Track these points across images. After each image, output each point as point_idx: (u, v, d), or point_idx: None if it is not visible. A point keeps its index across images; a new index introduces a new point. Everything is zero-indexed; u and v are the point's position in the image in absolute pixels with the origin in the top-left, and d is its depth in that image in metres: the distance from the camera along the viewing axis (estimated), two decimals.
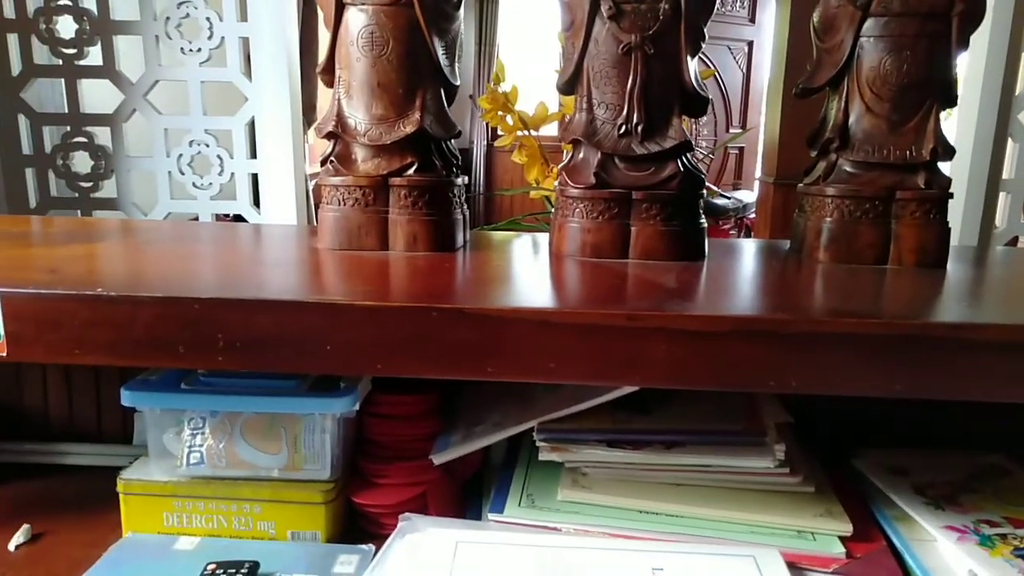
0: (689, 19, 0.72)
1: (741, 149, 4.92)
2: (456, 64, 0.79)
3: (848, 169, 0.75)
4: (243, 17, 1.40)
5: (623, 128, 0.73)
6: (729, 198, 3.96)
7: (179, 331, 0.56)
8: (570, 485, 0.65)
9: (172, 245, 0.84)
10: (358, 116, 0.75)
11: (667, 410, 0.68)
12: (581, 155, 0.75)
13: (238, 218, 1.62)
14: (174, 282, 0.64)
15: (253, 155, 1.48)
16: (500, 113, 1.56)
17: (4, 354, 0.58)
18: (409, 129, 0.74)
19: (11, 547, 0.68)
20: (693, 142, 0.74)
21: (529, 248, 0.86)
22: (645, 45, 0.71)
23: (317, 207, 1.83)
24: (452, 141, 0.79)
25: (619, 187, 0.73)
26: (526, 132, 1.55)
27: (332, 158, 0.76)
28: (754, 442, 0.63)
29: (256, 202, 1.51)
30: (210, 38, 1.40)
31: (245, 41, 1.41)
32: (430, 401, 0.75)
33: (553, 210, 0.79)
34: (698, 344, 0.53)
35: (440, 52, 0.75)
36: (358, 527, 0.71)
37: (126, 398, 0.66)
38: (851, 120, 0.75)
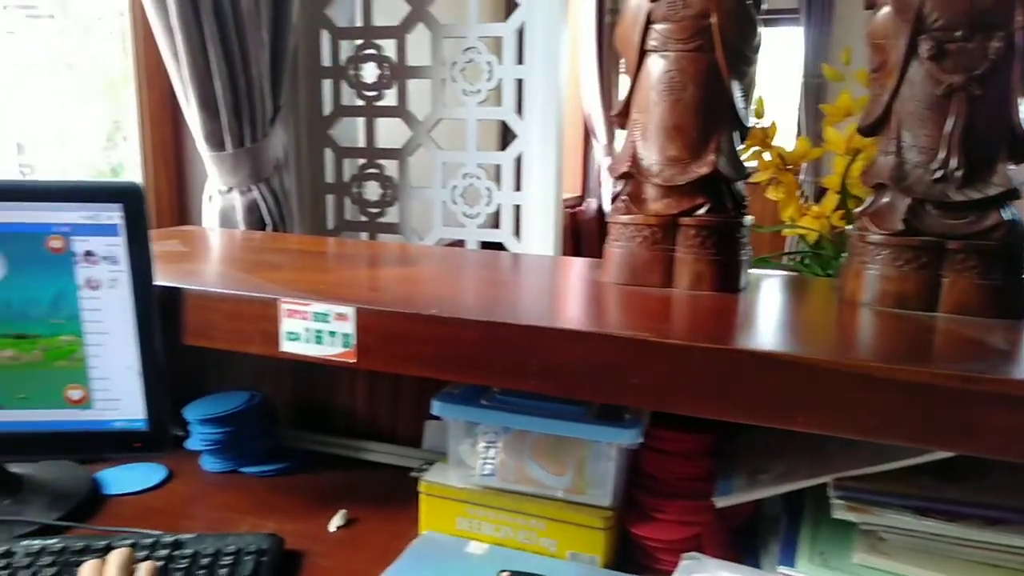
0: None
1: None
2: (750, 106, 0.80)
3: None
4: (520, 60, 1.51)
5: (938, 173, 0.68)
6: None
7: (497, 353, 0.62)
8: (867, 549, 0.61)
9: (476, 272, 0.93)
10: (652, 157, 0.78)
11: (982, 480, 0.62)
12: (886, 199, 0.72)
13: (495, 246, 1.73)
14: (489, 307, 0.71)
15: (517, 188, 1.58)
16: (757, 148, 1.52)
17: (354, 361, 0.67)
18: (703, 171, 0.75)
19: (331, 528, 0.79)
20: None
21: (815, 293, 0.84)
22: (970, 86, 0.67)
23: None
24: (742, 182, 0.79)
25: (931, 235, 0.68)
26: (783, 168, 1.51)
27: (624, 197, 0.80)
28: None
29: (517, 231, 1.62)
30: (489, 79, 1.52)
31: (518, 82, 1.52)
32: (707, 441, 0.75)
33: (847, 255, 0.76)
34: None
35: (737, 95, 0.76)
36: (632, 556, 0.73)
37: (436, 408, 0.74)
38: None
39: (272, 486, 0.89)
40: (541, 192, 1.54)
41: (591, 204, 3.66)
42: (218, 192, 1.38)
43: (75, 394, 0.75)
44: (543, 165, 1.52)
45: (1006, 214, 0.68)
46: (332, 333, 0.68)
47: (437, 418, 0.76)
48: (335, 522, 0.79)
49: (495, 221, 1.62)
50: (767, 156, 1.53)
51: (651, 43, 0.76)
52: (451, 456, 0.77)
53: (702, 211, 0.76)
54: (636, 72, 0.79)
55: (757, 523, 0.74)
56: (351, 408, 0.98)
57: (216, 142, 1.32)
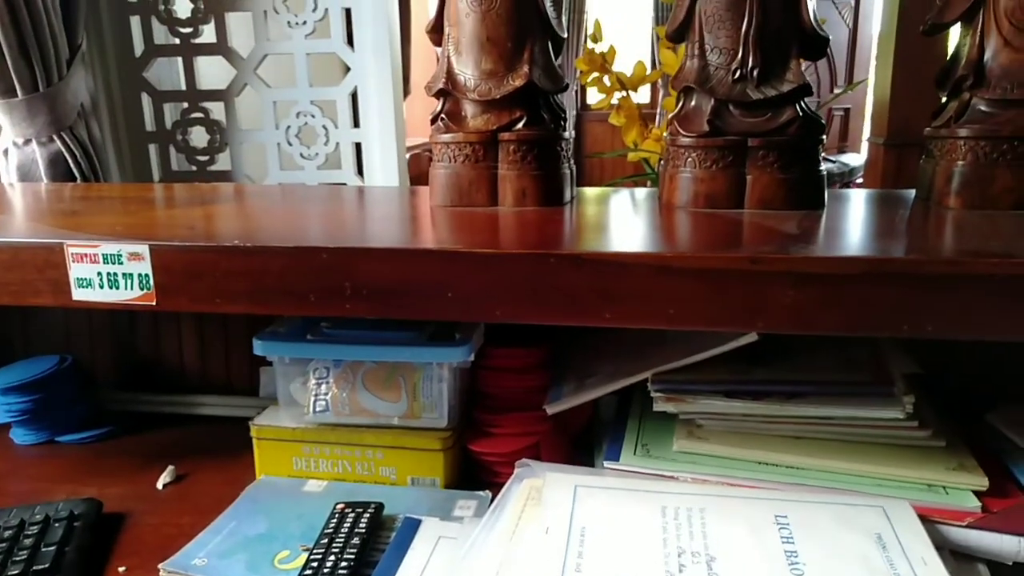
0: None
1: (847, 110, 4.66)
2: (562, 16, 0.79)
3: (983, 108, 0.70)
4: None
5: (737, 73, 0.70)
6: (834, 162, 3.77)
7: (309, 279, 0.59)
8: (685, 436, 0.64)
9: (293, 205, 0.88)
10: (467, 72, 0.75)
11: (787, 362, 0.67)
12: (693, 102, 0.74)
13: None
14: (301, 235, 0.67)
15: (356, 125, 1.52)
16: (597, 74, 1.53)
17: (154, 303, 0.62)
18: (518, 83, 0.74)
19: (159, 486, 0.74)
20: None
21: (638, 201, 0.85)
22: None
23: (412, 179, 1.85)
24: (559, 95, 0.79)
25: (733, 134, 0.71)
26: (624, 93, 1.53)
27: (442, 115, 0.77)
28: (881, 392, 0.60)
29: (359, 171, 1.56)
30: (314, 10, 1.44)
31: (347, 12, 1.45)
32: (540, 354, 0.76)
33: (662, 162, 0.78)
34: (827, 288, 0.51)
35: (548, 3, 0.75)
36: (473, 475, 0.73)
37: (257, 347, 0.70)
38: (987, 56, 0.69)
39: (94, 452, 0.82)
40: (381, 127, 1.48)
41: None
42: (13, 145, 1.24)
43: None
44: (380, 98, 1.46)
45: (800, 109, 0.71)
46: (127, 275, 0.62)
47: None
48: (163, 479, 0.75)
49: (337, 162, 1.56)
50: (607, 81, 1.55)
51: None
52: (281, 396, 0.74)
53: (520, 125, 0.75)
54: None
55: (595, 431, 0.76)
56: (179, 362, 0.92)
57: (5, 87, 1.18)
